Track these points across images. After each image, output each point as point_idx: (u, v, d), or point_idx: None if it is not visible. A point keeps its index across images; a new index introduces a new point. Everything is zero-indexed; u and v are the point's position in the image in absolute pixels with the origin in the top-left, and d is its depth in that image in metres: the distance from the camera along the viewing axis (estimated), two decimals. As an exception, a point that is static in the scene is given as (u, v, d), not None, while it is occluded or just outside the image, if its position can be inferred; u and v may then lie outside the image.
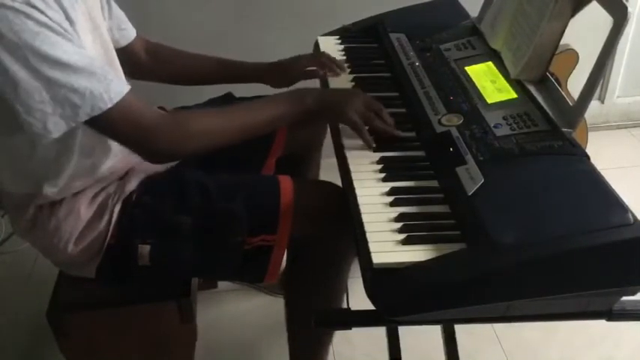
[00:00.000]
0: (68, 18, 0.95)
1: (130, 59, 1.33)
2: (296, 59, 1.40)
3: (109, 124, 0.97)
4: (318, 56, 1.42)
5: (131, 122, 0.98)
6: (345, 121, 1.13)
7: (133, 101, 0.98)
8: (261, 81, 1.41)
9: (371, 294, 0.85)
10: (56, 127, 0.94)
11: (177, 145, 1.04)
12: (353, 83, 1.35)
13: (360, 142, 1.12)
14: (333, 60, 1.39)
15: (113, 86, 0.95)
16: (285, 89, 1.33)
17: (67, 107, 0.93)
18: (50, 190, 1.07)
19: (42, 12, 0.90)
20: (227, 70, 1.41)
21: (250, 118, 1.11)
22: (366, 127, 1.12)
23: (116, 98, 0.95)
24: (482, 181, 0.93)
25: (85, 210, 1.10)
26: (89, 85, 0.93)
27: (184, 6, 1.98)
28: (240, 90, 1.47)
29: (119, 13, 1.28)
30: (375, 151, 1.10)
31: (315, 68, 1.38)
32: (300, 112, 1.13)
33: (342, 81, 1.36)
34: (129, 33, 1.32)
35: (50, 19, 0.91)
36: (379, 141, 1.12)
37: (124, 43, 1.31)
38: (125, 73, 1.24)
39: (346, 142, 1.13)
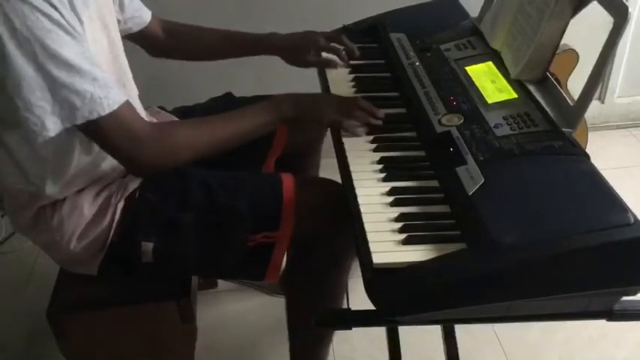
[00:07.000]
0: (79, 19, 0.96)
1: (149, 40, 1.39)
2: (311, 39, 1.41)
3: (102, 130, 0.98)
4: (335, 38, 1.43)
5: (123, 132, 1.00)
6: (325, 122, 1.18)
7: (128, 112, 1.00)
8: (277, 55, 1.43)
9: (371, 294, 0.85)
10: (53, 126, 0.94)
11: (163, 158, 1.06)
12: (353, 83, 1.35)
13: (359, 140, 1.13)
14: (349, 48, 1.42)
15: (113, 94, 0.97)
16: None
17: (66, 108, 0.93)
18: (52, 189, 1.07)
19: (57, 10, 0.91)
20: (243, 42, 1.44)
21: (232, 129, 1.13)
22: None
23: (114, 106, 0.97)
24: (483, 181, 0.93)
25: (88, 207, 1.10)
26: (91, 89, 0.94)
27: (185, 7, 1.98)
28: (241, 90, 1.48)
29: (132, 3, 1.30)
30: (374, 151, 1.10)
31: (331, 57, 1.40)
32: (278, 120, 1.16)
33: (342, 81, 1.36)
34: (142, 19, 1.35)
35: (64, 17, 0.92)
36: (372, 129, 1.15)
37: (137, 29, 1.34)
38: (147, 52, 1.40)
39: (346, 142, 1.13)
